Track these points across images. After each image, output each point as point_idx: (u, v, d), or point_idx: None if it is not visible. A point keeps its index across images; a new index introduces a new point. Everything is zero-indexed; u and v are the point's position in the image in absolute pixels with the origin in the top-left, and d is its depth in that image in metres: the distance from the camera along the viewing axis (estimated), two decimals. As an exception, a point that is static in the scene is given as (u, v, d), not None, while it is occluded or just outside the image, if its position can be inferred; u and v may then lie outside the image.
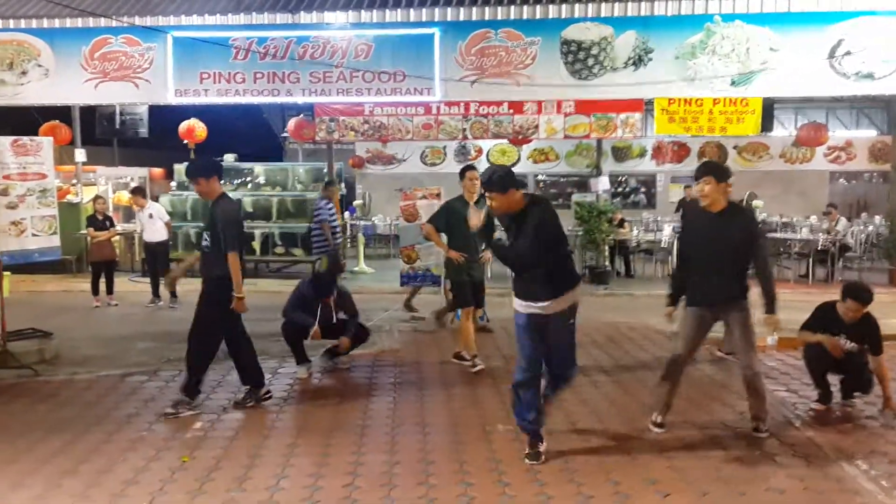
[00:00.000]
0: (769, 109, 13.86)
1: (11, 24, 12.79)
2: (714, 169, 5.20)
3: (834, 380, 6.03)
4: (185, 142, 15.62)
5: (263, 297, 11.43)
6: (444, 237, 7.35)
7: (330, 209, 11.81)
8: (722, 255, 5.11)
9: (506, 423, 5.58)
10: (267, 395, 6.16)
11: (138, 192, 11.57)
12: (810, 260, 13.21)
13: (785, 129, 21.55)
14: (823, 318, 5.96)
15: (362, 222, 17.65)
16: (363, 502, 4.24)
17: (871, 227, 15.71)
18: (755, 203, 17.94)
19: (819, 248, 13.32)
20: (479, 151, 21.52)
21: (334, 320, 7.08)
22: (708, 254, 5.16)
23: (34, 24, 13.01)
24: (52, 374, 7.07)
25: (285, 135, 20.95)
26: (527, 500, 4.26)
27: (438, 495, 4.31)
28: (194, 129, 14.72)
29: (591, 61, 12.12)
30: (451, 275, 7.56)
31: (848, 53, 11.51)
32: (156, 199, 11.34)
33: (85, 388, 6.61)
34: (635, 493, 4.33)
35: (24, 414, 5.88)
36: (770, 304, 5.08)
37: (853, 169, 21.05)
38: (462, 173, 7.39)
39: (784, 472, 4.66)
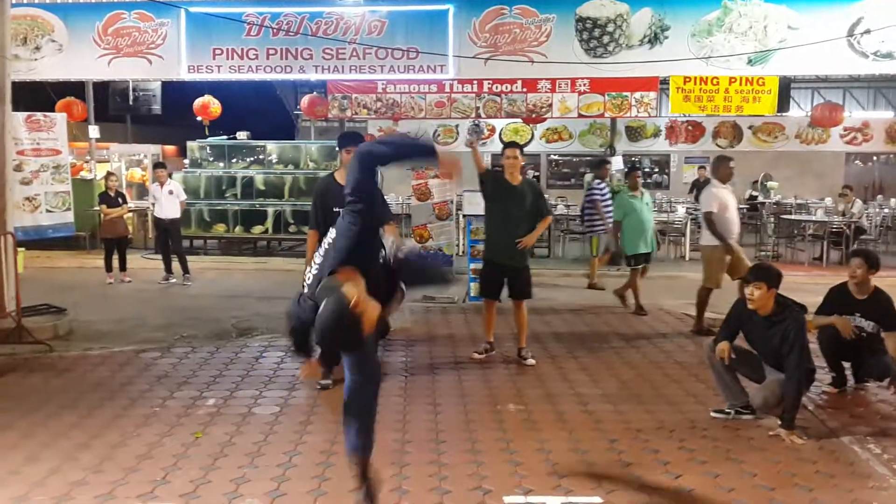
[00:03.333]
0: (785, 89, 13.72)
1: (25, -2, 12.76)
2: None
3: (847, 363, 6.00)
4: (200, 118, 15.64)
5: (276, 276, 11.53)
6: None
7: (603, 189, 11.18)
8: None
9: (516, 402, 5.60)
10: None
11: (161, 167, 11.63)
12: (824, 242, 13.11)
13: (801, 110, 21.32)
14: (835, 299, 5.91)
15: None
16: (375, 479, 4.26)
17: (886, 210, 15.56)
18: (770, 184, 17.84)
19: (833, 231, 13.22)
20: (492, 130, 21.39)
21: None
22: None
23: (47, -2, 12.98)
24: (66, 349, 7.13)
25: (298, 112, 20.92)
26: (538, 480, 4.27)
27: (449, 473, 4.33)
28: (209, 106, 14.70)
29: (606, 39, 11.99)
30: (484, 254, 7.08)
31: (867, 32, 11.34)
32: (169, 175, 11.41)
33: (98, 363, 6.66)
34: (646, 474, 4.33)
35: (38, 389, 5.94)
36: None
37: (869, 150, 20.80)
38: (503, 151, 6.69)
39: (795, 454, 4.64)
